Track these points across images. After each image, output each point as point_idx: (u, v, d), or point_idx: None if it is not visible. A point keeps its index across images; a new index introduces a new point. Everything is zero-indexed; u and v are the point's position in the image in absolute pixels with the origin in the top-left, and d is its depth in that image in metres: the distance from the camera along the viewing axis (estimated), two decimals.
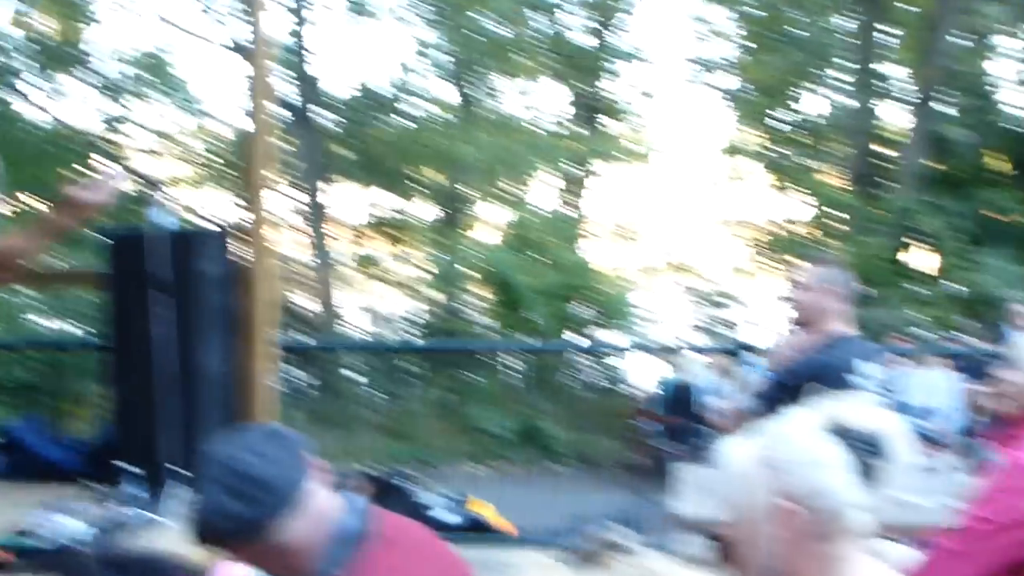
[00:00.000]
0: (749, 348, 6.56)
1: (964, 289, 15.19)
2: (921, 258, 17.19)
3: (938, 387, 9.10)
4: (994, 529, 3.03)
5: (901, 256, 16.74)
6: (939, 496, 3.97)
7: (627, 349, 13.55)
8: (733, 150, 20.53)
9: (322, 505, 1.93)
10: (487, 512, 7.47)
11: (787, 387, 4.00)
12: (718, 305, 17.27)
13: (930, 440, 8.30)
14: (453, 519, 7.29)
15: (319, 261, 16.92)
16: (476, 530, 7.04)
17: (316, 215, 17.17)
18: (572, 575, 0.86)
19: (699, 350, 13.07)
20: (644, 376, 12.63)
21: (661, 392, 11.12)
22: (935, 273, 16.24)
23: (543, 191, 19.49)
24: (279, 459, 1.88)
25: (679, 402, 10.65)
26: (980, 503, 3.08)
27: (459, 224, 17.93)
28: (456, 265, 14.56)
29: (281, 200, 17.40)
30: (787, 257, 17.28)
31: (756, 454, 1.97)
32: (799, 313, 4.37)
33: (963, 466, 3.83)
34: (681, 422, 10.44)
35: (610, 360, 13.82)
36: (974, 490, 3.16)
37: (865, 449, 1.92)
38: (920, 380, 9.19)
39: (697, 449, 8.03)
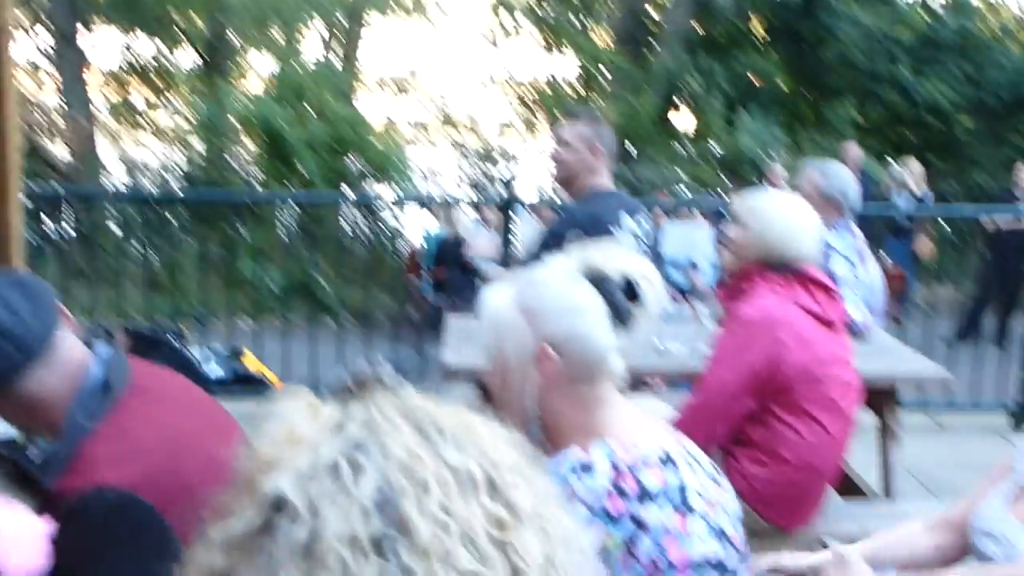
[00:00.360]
0: (518, 203, 6.64)
1: (721, 151, 15.81)
2: (685, 119, 17.74)
3: (696, 242, 9.53)
4: (730, 383, 3.26)
5: (665, 116, 17.22)
6: (690, 343, 4.17)
7: (398, 202, 13.47)
8: (503, 5, 20.40)
9: (72, 357, 1.85)
10: (257, 366, 7.44)
11: (552, 241, 4.08)
12: (488, 160, 17.40)
13: (685, 291, 8.72)
14: (221, 373, 7.24)
15: (74, 108, 15.94)
16: (244, 383, 7.04)
17: (71, 60, 16.09)
18: (332, 409, 0.85)
19: (470, 204, 13.15)
20: (417, 230, 12.64)
21: (431, 246, 11.17)
22: (697, 133, 16.80)
23: (315, 42, 18.98)
24: (25, 309, 1.78)
25: (449, 255, 10.74)
26: (716, 357, 3.31)
27: (226, 73, 17.22)
28: (222, 115, 14.01)
29: (29, 42, 16.30)
30: (555, 114, 17.48)
31: (514, 300, 1.98)
32: (560, 169, 4.41)
33: (713, 316, 4.02)
34: (451, 275, 10.57)
35: (383, 214, 13.73)
36: (713, 341, 3.38)
37: (621, 295, 1.95)
38: (679, 234, 9.59)
39: (467, 300, 8.15)
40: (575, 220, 4.13)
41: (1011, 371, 6.87)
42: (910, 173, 12.07)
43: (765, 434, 3.32)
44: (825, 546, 3.14)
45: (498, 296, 2.03)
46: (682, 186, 14.71)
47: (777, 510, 3.39)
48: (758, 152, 15.15)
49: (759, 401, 3.30)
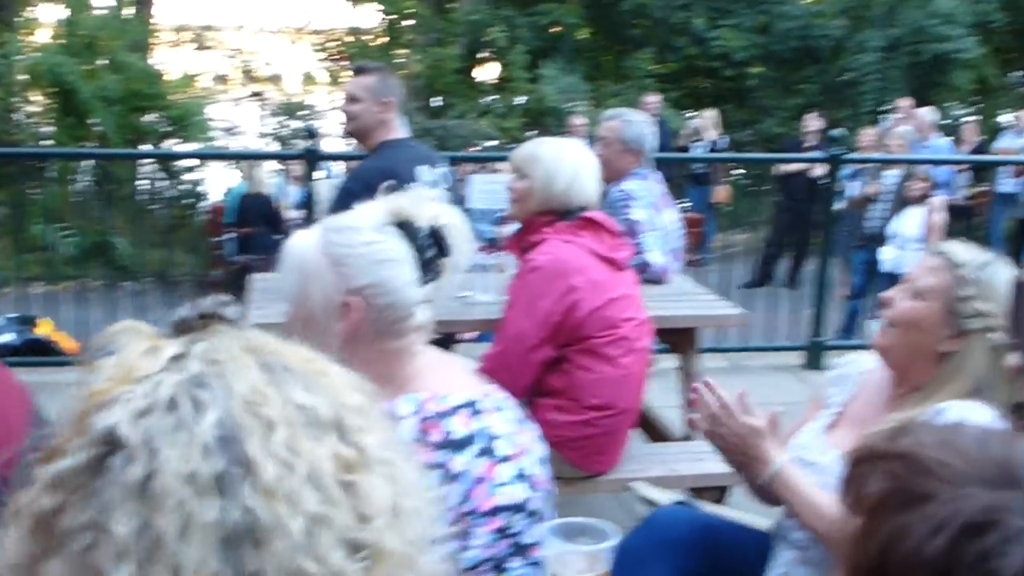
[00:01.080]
0: (321, 156, 6.50)
1: (526, 100, 15.89)
2: (489, 70, 17.74)
3: (500, 192, 9.51)
4: (527, 333, 3.27)
5: (469, 67, 17.18)
6: (498, 295, 4.15)
7: (198, 157, 13.03)
8: None
9: None
10: (52, 333, 7.07)
11: (352, 194, 4.02)
12: (290, 114, 17.03)
13: (490, 241, 8.72)
14: (13, 340, 6.86)
15: None
16: (40, 352, 6.69)
17: None
18: (173, 345, 0.78)
19: (272, 158, 12.84)
20: (219, 187, 12.29)
21: (233, 202, 10.86)
22: (501, 84, 16.83)
23: None
24: None
25: (253, 212, 10.47)
26: (512, 307, 3.32)
27: (14, 26, 16.21)
28: (7, 67, 13.18)
29: None
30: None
31: (320, 247, 1.92)
32: (351, 123, 4.38)
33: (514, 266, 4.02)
34: (255, 231, 10.31)
35: (184, 172, 13.27)
36: (508, 292, 3.39)
37: (430, 246, 1.92)
38: (485, 186, 9.55)
39: (271, 257, 7.95)
40: (366, 173, 4.08)
41: (803, 312, 7.16)
42: (706, 122, 12.43)
43: (565, 380, 3.37)
44: (632, 491, 3.21)
45: (303, 242, 1.96)
46: (486, 137, 14.74)
47: (583, 455, 3.44)
48: (561, 104, 15.31)
49: (557, 348, 3.33)
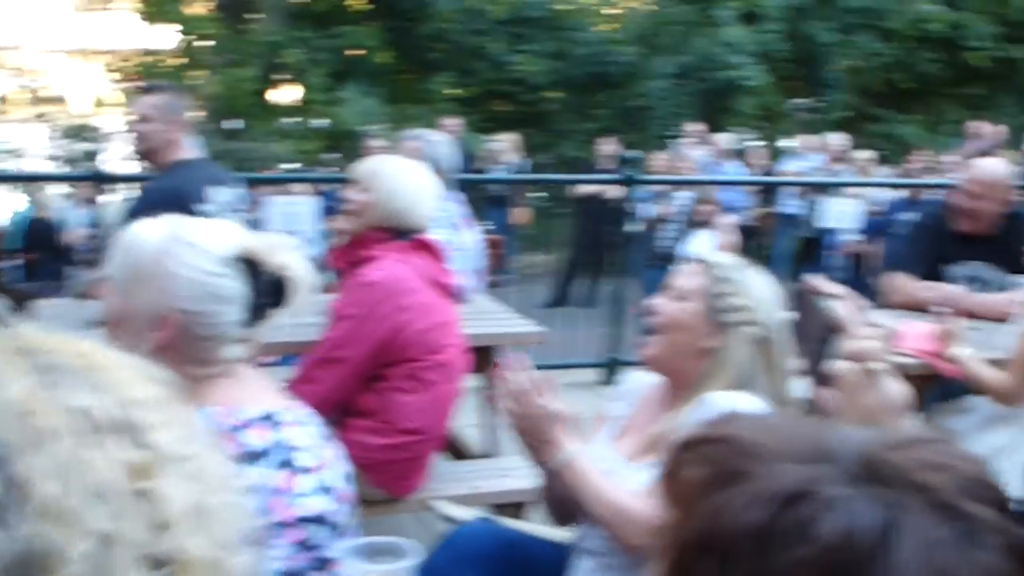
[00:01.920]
0: (110, 178, 6.25)
1: (326, 122, 15.76)
2: (287, 92, 17.51)
3: (300, 214, 9.39)
4: (352, 351, 3.23)
5: (268, 89, 16.92)
6: (296, 316, 4.11)
7: None
8: None
9: None
10: None
11: (141, 215, 3.89)
12: (79, 136, 16.38)
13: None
14: None
15: None
16: None
17: None
18: None
19: (59, 180, 12.29)
20: (4, 212, 11.68)
21: (18, 227, 10.35)
22: (300, 106, 16.64)
23: None
24: None
25: (38, 236, 10.01)
26: (337, 324, 3.27)
27: None
28: None
29: None
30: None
31: (160, 252, 1.89)
32: (140, 143, 4.28)
33: (319, 287, 3.99)
34: (41, 257, 9.86)
35: None
36: (332, 309, 3.33)
37: (265, 291, 1.93)
38: (282, 208, 9.42)
39: (59, 283, 7.61)
40: (156, 194, 3.98)
41: (600, 330, 7.33)
42: (506, 145, 12.60)
43: (380, 402, 3.33)
44: (434, 510, 3.21)
45: (148, 237, 1.91)
46: (285, 160, 14.52)
47: (388, 477, 3.40)
48: (361, 126, 15.24)
49: (378, 367, 3.30)
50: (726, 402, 2.22)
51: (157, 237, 1.90)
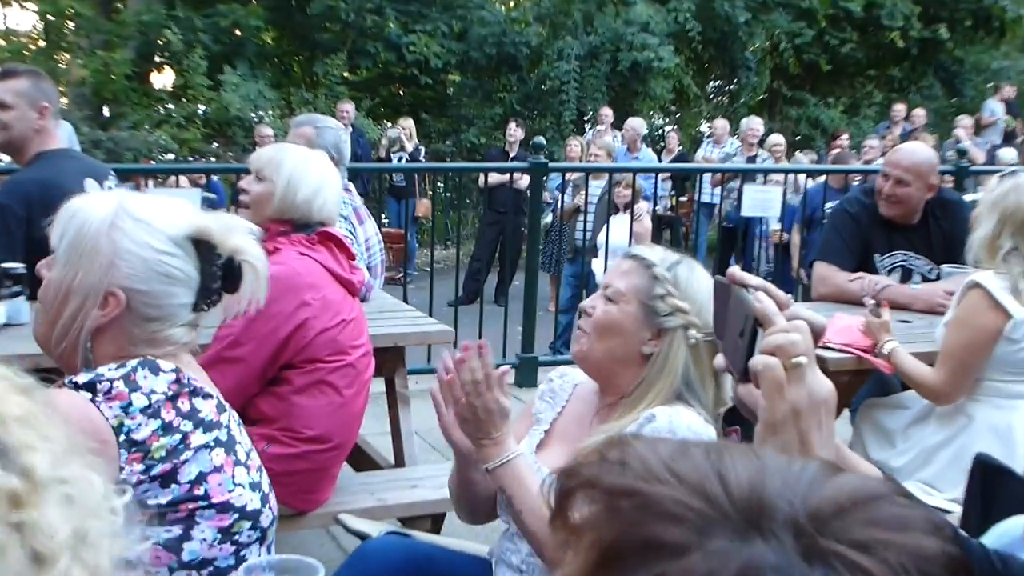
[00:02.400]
0: None
1: (208, 108, 15.50)
2: (165, 76, 17.20)
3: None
4: (250, 352, 3.18)
5: (144, 74, 16.59)
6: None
7: None
8: None
9: None
10: None
11: (7, 210, 3.84)
12: None
13: None
14: None
15: None
16: None
17: None
18: None
19: None
20: None
21: None
22: (179, 92, 16.34)
23: None
24: None
25: None
26: (234, 323, 3.22)
27: None
28: None
29: None
30: None
31: (110, 226, 1.92)
32: (3, 132, 4.12)
33: None
34: None
35: None
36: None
37: (217, 275, 1.98)
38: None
39: None
40: (23, 187, 3.88)
41: (513, 329, 7.36)
42: (404, 132, 12.55)
43: (280, 408, 3.27)
44: (341, 524, 3.18)
45: (96, 212, 1.93)
46: (165, 147, 14.27)
47: (291, 491, 3.30)
48: (246, 112, 15.04)
49: (276, 371, 3.25)
50: (672, 423, 2.21)
51: (105, 211, 1.92)
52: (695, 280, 2.37)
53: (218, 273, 1.96)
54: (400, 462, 4.25)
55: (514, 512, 2.31)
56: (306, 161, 3.45)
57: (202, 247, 1.94)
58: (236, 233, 1.98)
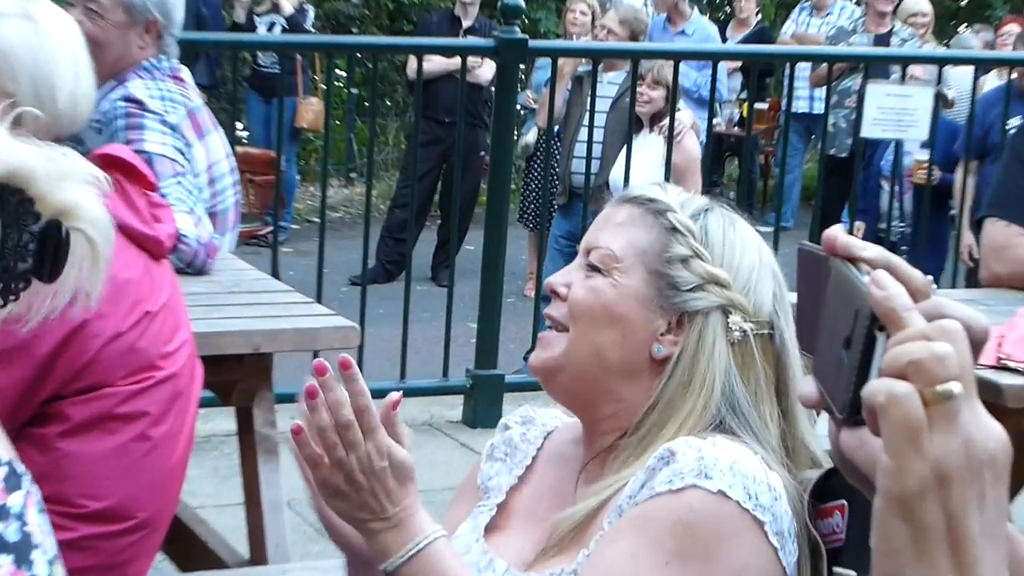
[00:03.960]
0: None
1: None
2: None
3: None
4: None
5: None
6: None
7: None
8: None
9: None
10: None
11: None
12: None
13: None
14: None
15: None
16: None
17: None
18: None
19: None
20: None
21: None
22: None
23: None
24: None
25: None
26: None
27: None
28: None
29: None
30: None
31: None
32: None
33: None
34: None
35: None
36: None
37: (26, 247, 1.96)
38: None
39: None
40: None
41: (461, 326, 7.37)
42: None
43: (44, 462, 3.25)
44: None
45: None
46: None
47: None
48: None
49: (38, 405, 3.25)
50: (704, 462, 2.16)
51: None
52: (739, 238, 2.36)
53: (29, 245, 1.94)
54: (259, 555, 4.24)
55: None
56: (46, 37, 3.45)
57: (8, 199, 1.92)
58: (71, 183, 1.96)
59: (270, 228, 9.03)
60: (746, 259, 2.32)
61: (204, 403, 4.30)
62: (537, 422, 2.61)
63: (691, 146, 8.64)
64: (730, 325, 2.29)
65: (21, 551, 1.86)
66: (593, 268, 2.36)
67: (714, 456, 2.16)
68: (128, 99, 4.55)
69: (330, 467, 2.23)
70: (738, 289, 2.29)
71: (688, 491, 2.11)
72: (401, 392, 2.36)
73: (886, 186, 10.20)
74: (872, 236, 9.25)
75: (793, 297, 1.68)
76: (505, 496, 2.55)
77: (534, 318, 8.43)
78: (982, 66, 9.40)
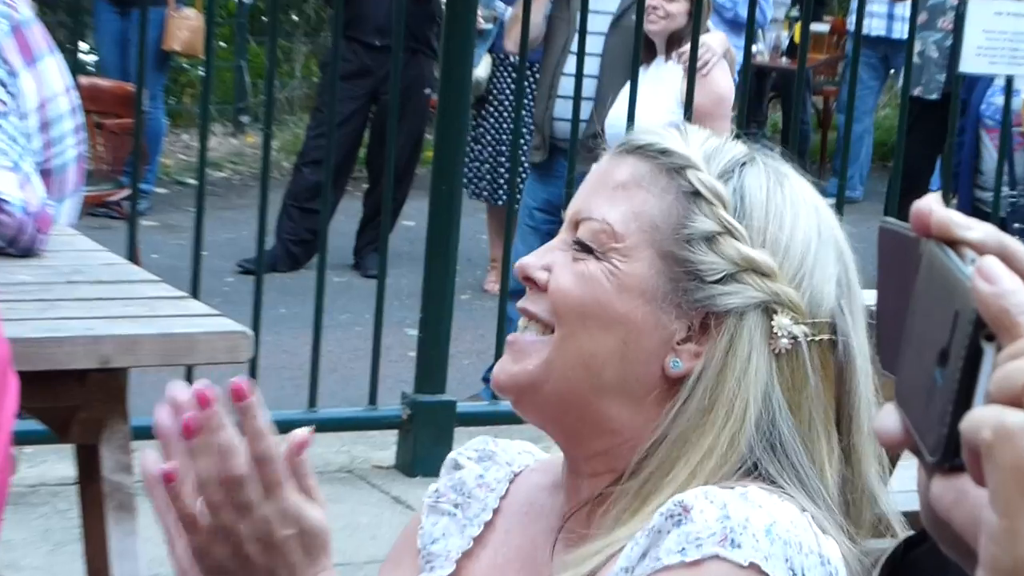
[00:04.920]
0: None
1: None
2: None
3: None
4: None
5: None
6: None
7: None
8: None
9: None
10: None
11: None
12: None
13: None
14: None
15: None
16: None
17: None
18: None
19: None
20: None
21: None
22: None
23: None
24: None
25: None
26: None
27: None
28: None
29: None
30: None
31: None
32: None
33: None
34: None
35: None
36: None
37: None
38: None
39: None
40: None
41: (395, 330, 7.39)
42: None
43: None
44: None
45: None
46: None
47: None
48: None
49: None
50: (730, 523, 2.15)
51: None
52: (789, 205, 2.33)
53: None
54: None
55: None
56: None
57: None
58: None
59: (126, 192, 9.02)
60: (798, 234, 2.28)
61: (29, 439, 4.29)
62: (500, 459, 2.62)
63: (722, 82, 8.67)
64: (774, 329, 2.26)
65: None
66: (583, 247, 2.34)
67: (744, 514, 2.14)
68: None
69: (212, 534, 2.18)
70: (787, 278, 2.26)
71: (708, 564, 2.10)
72: (311, 427, 2.31)
73: (990, 140, 10.25)
74: (968, 208, 9.30)
75: (868, 294, 1.65)
76: (455, 566, 2.55)
77: (499, 322, 8.47)
78: None
